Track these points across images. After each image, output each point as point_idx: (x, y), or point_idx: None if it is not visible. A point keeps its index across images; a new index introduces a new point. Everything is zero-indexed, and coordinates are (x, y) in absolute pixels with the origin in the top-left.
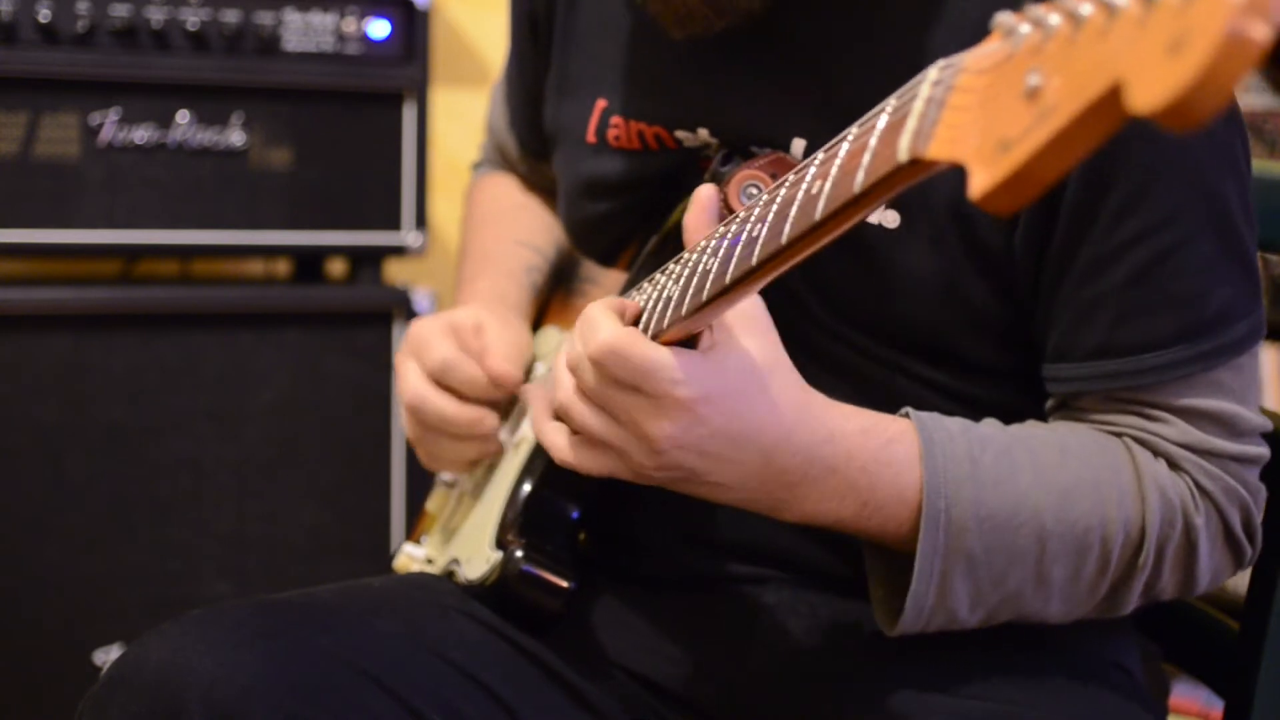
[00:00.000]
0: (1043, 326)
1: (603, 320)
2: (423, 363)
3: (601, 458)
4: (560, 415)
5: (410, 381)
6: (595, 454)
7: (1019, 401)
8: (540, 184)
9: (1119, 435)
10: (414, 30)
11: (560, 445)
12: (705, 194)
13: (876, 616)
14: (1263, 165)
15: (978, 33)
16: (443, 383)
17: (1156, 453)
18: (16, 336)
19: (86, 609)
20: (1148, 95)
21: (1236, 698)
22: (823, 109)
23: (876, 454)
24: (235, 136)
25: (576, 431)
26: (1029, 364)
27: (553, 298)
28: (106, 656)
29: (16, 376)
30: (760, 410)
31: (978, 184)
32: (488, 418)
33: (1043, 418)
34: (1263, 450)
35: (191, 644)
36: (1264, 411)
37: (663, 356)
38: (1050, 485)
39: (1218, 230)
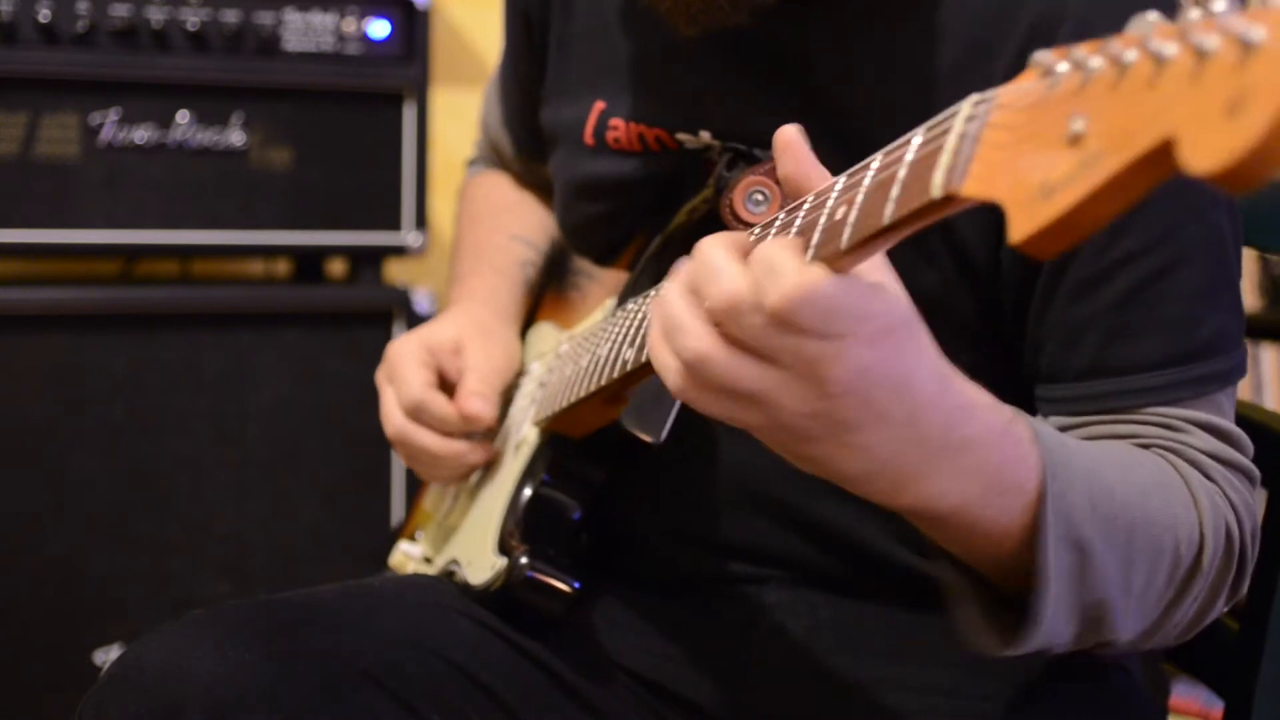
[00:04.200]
0: (1034, 346)
1: (787, 261)
2: (398, 395)
3: (734, 407)
4: (690, 369)
5: (390, 413)
6: (727, 403)
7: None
8: (534, 182)
9: (1148, 447)
10: (414, 30)
11: (678, 384)
12: (791, 135)
13: (976, 642)
14: None
15: (971, 51)
16: (417, 421)
17: (1190, 462)
18: (16, 336)
19: (86, 609)
20: (1205, 158)
21: (1236, 698)
22: (822, 112)
23: (1005, 430)
24: (235, 136)
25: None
26: (1019, 379)
27: (546, 293)
28: (106, 656)
29: (16, 376)
30: (917, 354)
31: (1019, 229)
32: (470, 453)
33: None
34: (1257, 473)
35: (191, 644)
36: (1263, 411)
37: (853, 288)
38: (1130, 481)
39: (1210, 256)
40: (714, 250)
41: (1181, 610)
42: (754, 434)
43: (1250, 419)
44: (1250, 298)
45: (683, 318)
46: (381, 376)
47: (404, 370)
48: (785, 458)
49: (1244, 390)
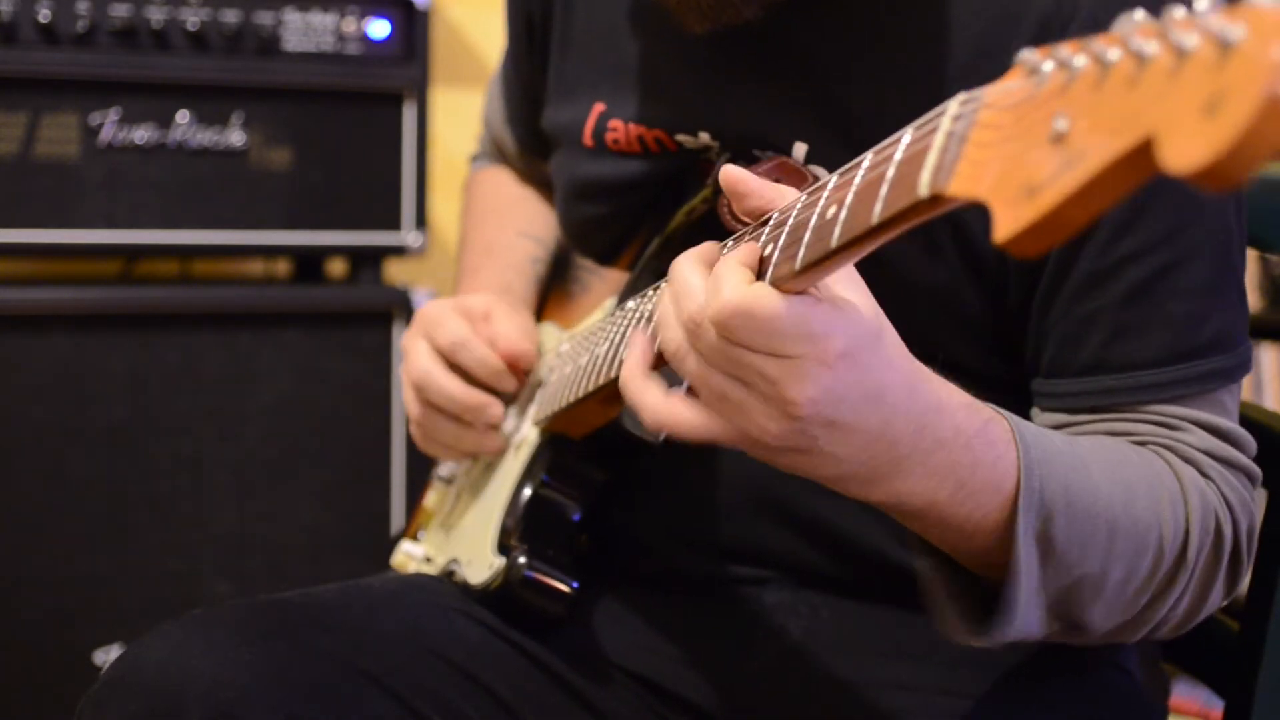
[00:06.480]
0: (1036, 341)
1: (730, 274)
2: (434, 340)
3: (711, 421)
4: (672, 363)
5: (419, 358)
6: (703, 416)
7: (1012, 409)
8: (537, 179)
9: (1144, 444)
10: (414, 30)
11: (650, 406)
12: (733, 175)
13: (949, 632)
14: None
15: (980, 50)
16: (453, 361)
17: (1185, 459)
18: (16, 336)
19: (86, 609)
20: (1183, 156)
21: (1236, 698)
22: (824, 112)
23: (981, 430)
24: (235, 136)
25: (692, 389)
26: (1021, 373)
27: (550, 294)
28: (106, 656)
29: (16, 376)
30: (884, 367)
31: (1004, 228)
32: (494, 405)
33: None
34: (1258, 472)
35: (191, 644)
36: (1263, 411)
37: (798, 310)
38: (1116, 479)
39: (1216, 254)
40: (685, 267)
41: (1167, 605)
42: (734, 445)
43: (1250, 419)
44: (1250, 298)
45: (667, 316)
46: (412, 333)
47: (443, 318)
48: (764, 461)
49: (1244, 390)
